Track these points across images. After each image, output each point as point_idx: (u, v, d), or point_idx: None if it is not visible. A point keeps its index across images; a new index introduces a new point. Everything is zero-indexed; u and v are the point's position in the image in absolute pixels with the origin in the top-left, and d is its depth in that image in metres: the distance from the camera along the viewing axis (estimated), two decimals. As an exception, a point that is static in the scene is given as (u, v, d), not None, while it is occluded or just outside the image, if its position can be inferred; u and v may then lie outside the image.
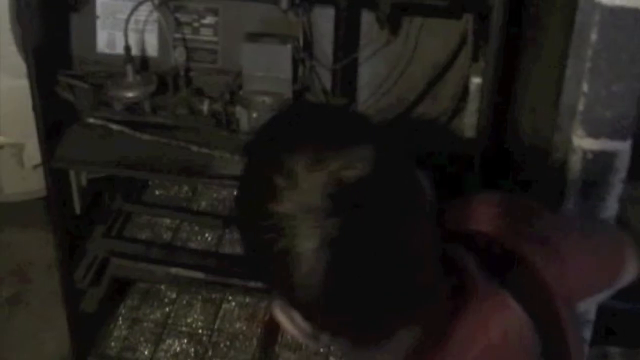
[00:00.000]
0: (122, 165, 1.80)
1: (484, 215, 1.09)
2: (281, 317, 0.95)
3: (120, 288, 2.35)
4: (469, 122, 1.76)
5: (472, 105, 1.71)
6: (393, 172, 0.87)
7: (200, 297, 2.38)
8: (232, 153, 1.78)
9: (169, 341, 2.27)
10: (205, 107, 1.80)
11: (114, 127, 1.82)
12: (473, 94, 1.69)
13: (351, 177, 0.84)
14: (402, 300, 0.88)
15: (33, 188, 2.38)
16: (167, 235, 2.29)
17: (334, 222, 0.82)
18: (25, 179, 2.49)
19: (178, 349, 2.26)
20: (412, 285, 0.87)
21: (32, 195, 2.53)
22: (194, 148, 1.79)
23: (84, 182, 1.95)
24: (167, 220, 2.33)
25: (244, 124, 1.78)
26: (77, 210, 1.97)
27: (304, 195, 0.84)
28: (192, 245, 2.27)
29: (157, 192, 2.43)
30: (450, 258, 0.98)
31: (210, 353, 2.25)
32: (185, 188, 2.45)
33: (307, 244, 0.83)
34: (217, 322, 2.33)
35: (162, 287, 2.39)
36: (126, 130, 1.81)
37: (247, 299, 2.37)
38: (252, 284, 2.14)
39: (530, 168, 1.71)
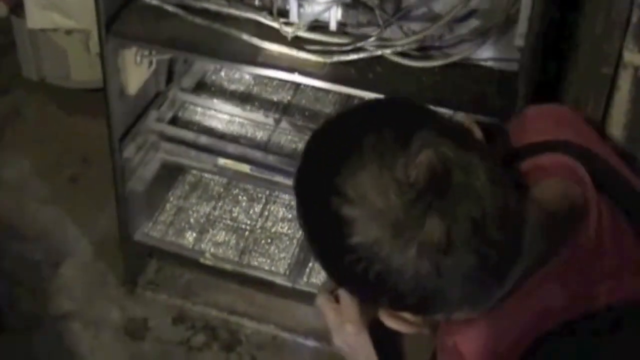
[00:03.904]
0: (172, 45, 1.86)
1: (548, 127, 1.09)
2: (393, 323, 0.96)
3: (170, 178, 2.44)
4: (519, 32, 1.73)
5: (524, 13, 1.68)
6: (454, 153, 0.85)
7: (246, 195, 2.45)
8: (279, 44, 1.81)
9: (212, 231, 2.35)
10: (257, -4, 1.84)
11: (169, 8, 1.87)
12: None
13: (420, 176, 0.82)
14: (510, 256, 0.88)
15: (98, 76, 2.46)
16: (218, 129, 2.34)
17: (424, 227, 0.81)
18: (91, 67, 2.57)
19: (220, 239, 2.33)
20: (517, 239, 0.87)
21: (98, 83, 2.62)
22: (244, 37, 1.83)
23: (139, 61, 2.01)
24: (220, 115, 2.38)
25: (294, 16, 1.80)
26: (131, 90, 2.04)
27: (381, 216, 0.81)
28: (242, 141, 2.31)
29: (212, 89, 2.48)
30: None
31: (251, 247, 2.31)
32: (241, 88, 2.49)
33: (405, 257, 0.82)
34: (261, 220, 2.39)
35: (211, 181, 2.47)
36: (180, 12, 1.86)
37: (293, 202, 2.43)
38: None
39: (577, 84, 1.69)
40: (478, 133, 0.93)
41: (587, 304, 0.90)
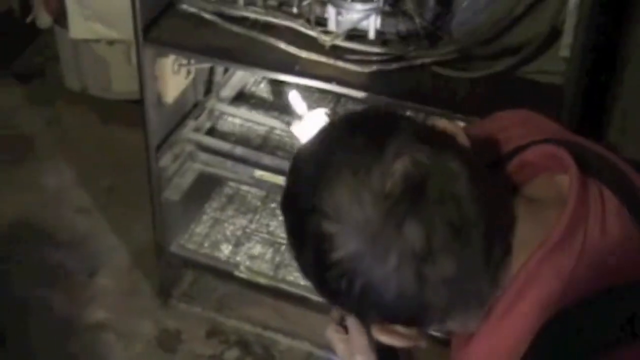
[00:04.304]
0: (210, 53, 1.84)
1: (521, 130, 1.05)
2: (387, 339, 0.95)
3: (207, 190, 2.42)
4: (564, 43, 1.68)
5: (570, 23, 1.63)
6: (431, 159, 0.85)
7: (284, 208, 2.41)
8: (318, 54, 1.78)
9: (248, 244, 2.32)
10: (295, 5, 1.81)
11: (207, 16, 1.85)
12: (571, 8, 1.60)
13: (396, 185, 0.83)
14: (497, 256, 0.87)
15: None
16: (256, 142, 2.32)
17: (402, 236, 0.81)
18: (132, 78, 2.56)
19: (256, 253, 2.30)
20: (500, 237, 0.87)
21: (138, 94, 2.62)
22: (282, 45, 1.80)
23: (176, 70, 2.00)
24: (258, 127, 2.36)
25: (332, 24, 1.77)
26: (169, 99, 2.03)
27: (360, 228, 0.82)
28: (280, 154, 2.28)
29: (252, 101, 2.47)
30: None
31: (286, 261, 2.28)
32: (279, 99, 2.47)
33: (386, 268, 0.82)
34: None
35: (248, 193, 2.45)
36: (218, 20, 1.84)
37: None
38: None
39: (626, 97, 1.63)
40: (463, 138, 0.92)
41: (584, 287, 0.87)
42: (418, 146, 0.85)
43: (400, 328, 0.93)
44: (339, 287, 0.85)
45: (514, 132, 1.04)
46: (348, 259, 0.83)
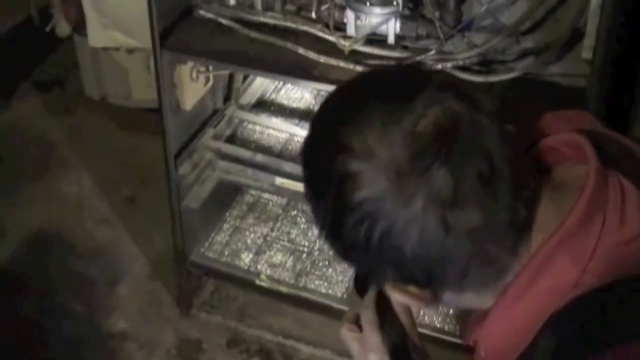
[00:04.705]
0: (228, 60, 1.83)
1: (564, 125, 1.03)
2: (398, 296, 0.92)
3: (227, 199, 2.40)
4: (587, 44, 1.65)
5: (592, 25, 1.60)
6: (463, 110, 0.83)
7: (305, 216, 2.39)
8: (337, 59, 1.76)
9: (269, 253, 2.30)
10: (313, 10, 1.79)
11: (225, 22, 1.84)
12: (593, 10, 1.57)
13: (427, 128, 0.81)
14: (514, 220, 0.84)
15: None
16: (276, 149, 2.30)
17: (430, 180, 0.79)
18: (152, 86, 2.55)
19: (277, 261, 2.28)
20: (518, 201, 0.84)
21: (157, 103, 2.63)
22: (300, 50, 1.79)
23: (194, 77, 1.98)
24: (278, 134, 2.34)
25: (351, 29, 1.75)
26: (187, 106, 2.02)
27: (386, 167, 0.80)
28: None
29: (272, 108, 2.45)
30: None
31: (307, 269, 2.26)
32: (301, 107, 2.46)
33: (410, 211, 0.80)
34: (319, 242, 2.33)
35: (269, 202, 2.43)
36: (236, 26, 1.83)
37: (352, 225, 2.37)
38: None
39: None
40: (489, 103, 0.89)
41: (599, 277, 0.85)
42: (450, 97, 0.83)
43: (414, 289, 0.89)
44: (357, 236, 0.81)
45: (548, 125, 1.03)
46: (371, 200, 0.80)
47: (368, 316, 1.01)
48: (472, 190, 0.80)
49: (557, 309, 0.85)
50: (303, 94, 2.48)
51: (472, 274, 0.85)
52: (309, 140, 0.90)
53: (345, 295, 2.17)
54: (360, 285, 1.04)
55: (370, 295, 1.01)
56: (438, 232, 0.80)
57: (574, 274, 0.85)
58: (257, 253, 2.30)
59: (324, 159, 0.85)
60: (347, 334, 1.05)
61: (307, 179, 0.90)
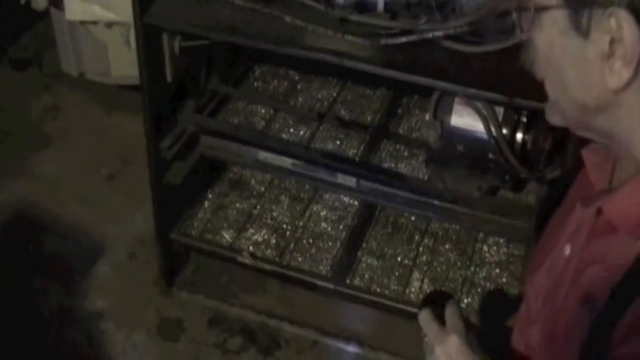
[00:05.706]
0: (212, 29, 1.77)
1: None
2: None
3: (209, 176, 2.36)
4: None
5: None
6: None
7: (288, 194, 2.35)
8: (325, 27, 1.72)
9: (251, 230, 2.25)
10: (301, -23, 1.75)
11: (209, -10, 1.79)
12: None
13: None
14: None
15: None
16: (260, 125, 2.26)
17: None
18: (132, 62, 2.49)
19: (260, 239, 2.23)
20: None
21: (138, 80, 2.57)
22: (287, 19, 1.74)
23: (176, 49, 1.93)
24: (262, 110, 2.30)
25: (339, -2, 1.71)
26: (169, 78, 1.96)
27: None
28: (285, 136, 2.22)
29: (255, 84, 2.40)
30: None
31: (291, 247, 2.21)
32: (285, 83, 2.41)
33: None
34: (303, 219, 2.29)
35: (252, 179, 2.38)
36: (221, -7, 1.78)
37: (337, 203, 2.33)
38: (339, 179, 2.09)
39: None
40: None
41: None
42: None
43: None
44: None
45: None
46: None
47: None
48: None
49: None
50: (287, 71, 2.44)
51: None
52: None
53: (329, 273, 2.14)
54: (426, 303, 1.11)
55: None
56: None
57: None
58: (240, 230, 2.25)
59: None
60: (427, 316, 1.08)
61: None
